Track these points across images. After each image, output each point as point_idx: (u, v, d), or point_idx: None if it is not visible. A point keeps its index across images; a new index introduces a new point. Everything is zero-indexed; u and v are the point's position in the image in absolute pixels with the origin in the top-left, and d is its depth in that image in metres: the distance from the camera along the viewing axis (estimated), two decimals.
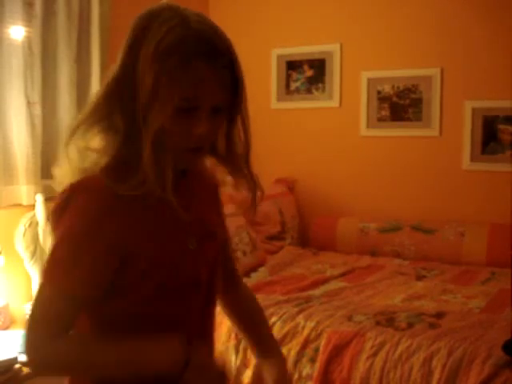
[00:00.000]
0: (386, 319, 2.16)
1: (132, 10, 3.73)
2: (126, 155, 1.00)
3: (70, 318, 0.99)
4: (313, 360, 2.07)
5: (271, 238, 3.33)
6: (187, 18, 0.99)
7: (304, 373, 2.09)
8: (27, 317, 1.03)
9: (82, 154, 1.02)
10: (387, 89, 3.47)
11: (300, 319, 2.20)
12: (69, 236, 0.97)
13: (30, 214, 2.47)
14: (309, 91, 3.71)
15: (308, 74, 3.70)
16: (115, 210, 0.98)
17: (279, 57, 3.76)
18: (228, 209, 3.05)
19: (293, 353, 2.11)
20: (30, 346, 0.98)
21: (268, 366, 1.22)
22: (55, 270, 0.98)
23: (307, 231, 3.59)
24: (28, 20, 2.52)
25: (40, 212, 2.47)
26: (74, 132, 1.02)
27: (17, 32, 2.50)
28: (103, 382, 1.03)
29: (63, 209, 0.98)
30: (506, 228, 3.00)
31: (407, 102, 3.39)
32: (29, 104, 2.53)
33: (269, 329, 1.33)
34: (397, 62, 3.45)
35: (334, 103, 3.63)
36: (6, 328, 2.39)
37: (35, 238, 2.45)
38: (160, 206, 1.01)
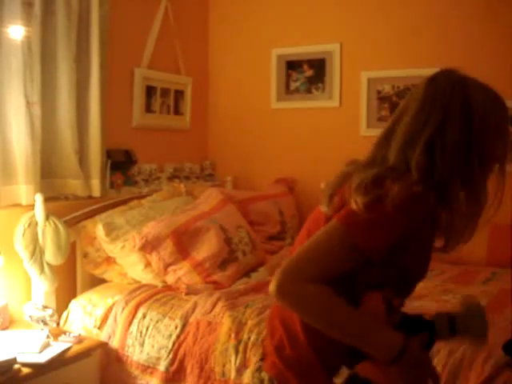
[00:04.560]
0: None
1: (131, 11, 3.75)
2: None
3: (337, 271, 1.17)
4: None
5: (271, 238, 3.32)
6: None
7: None
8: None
9: None
10: (387, 89, 3.46)
11: None
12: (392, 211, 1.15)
13: (29, 214, 2.47)
14: (309, 91, 3.71)
15: (308, 73, 3.70)
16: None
17: (279, 57, 3.76)
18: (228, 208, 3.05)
19: None
20: (286, 273, 1.15)
21: None
22: (360, 225, 1.16)
23: None
24: (27, 20, 2.52)
25: (39, 212, 2.47)
26: None
27: (16, 32, 2.50)
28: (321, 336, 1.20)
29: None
30: (506, 228, 2.99)
31: None
32: (28, 104, 2.53)
33: None
34: (397, 62, 3.44)
35: (334, 103, 3.62)
36: (6, 328, 2.39)
37: (34, 238, 2.45)
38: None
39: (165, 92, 3.55)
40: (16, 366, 2.05)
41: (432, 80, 1.28)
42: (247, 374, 2.10)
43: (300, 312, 1.19)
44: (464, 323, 1.32)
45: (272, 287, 1.16)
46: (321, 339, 1.24)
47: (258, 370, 1.43)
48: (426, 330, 1.35)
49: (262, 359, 1.43)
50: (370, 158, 1.30)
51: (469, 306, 1.34)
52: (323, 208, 1.27)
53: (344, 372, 1.25)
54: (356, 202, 1.16)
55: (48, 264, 2.48)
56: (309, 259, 1.18)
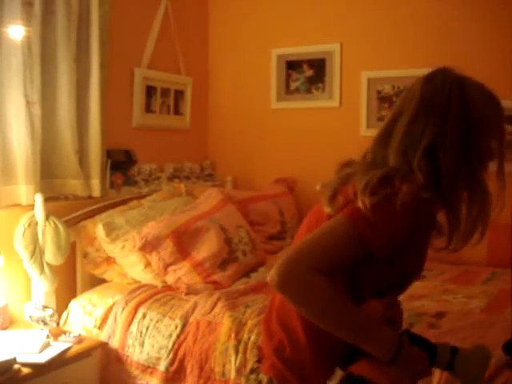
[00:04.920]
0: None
1: (131, 11, 3.76)
2: None
3: (339, 262, 1.17)
4: None
5: (271, 237, 3.32)
6: None
7: None
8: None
9: None
10: (387, 89, 3.47)
11: None
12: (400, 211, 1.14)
13: (29, 214, 2.47)
14: (309, 91, 3.71)
15: (308, 73, 3.70)
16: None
17: (279, 57, 3.76)
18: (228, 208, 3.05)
19: None
20: (288, 262, 1.13)
21: None
22: (365, 219, 1.15)
23: None
24: (27, 20, 2.52)
25: (39, 212, 2.47)
26: None
27: (16, 32, 2.50)
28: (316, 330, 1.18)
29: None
30: (506, 228, 2.99)
31: None
32: (28, 104, 2.53)
33: None
34: (397, 62, 3.44)
35: (334, 103, 3.62)
36: (5, 328, 2.39)
37: (34, 238, 2.45)
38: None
39: (165, 92, 3.55)
40: (16, 366, 2.06)
41: (428, 79, 1.27)
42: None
43: (300, 301, 1.17)
44: (464, 364, 1.31)
45: (273, 276, 1.13)
46: (322, 341, 1.24)
47: (255, 371, 1.43)
48: (427, 352, 1.34)
49: (258, 361, 1.42)
50: (370, 159, 1.29)
51: (477, 351, 1.34)
52: (326, 209, 1.27)
53: (338, 373, 1.25)
54: (363, 203, 1.16)
55: (48, 264, 2.48)
56: (311, 250, 1.17)
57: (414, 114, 1.24)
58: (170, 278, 2.64)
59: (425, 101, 1.23)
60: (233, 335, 2.18)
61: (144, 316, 2.42)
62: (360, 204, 1.16)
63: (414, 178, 1.19)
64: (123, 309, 2.48)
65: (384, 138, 1.29)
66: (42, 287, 2.50)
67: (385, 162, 1.25)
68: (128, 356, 2.40)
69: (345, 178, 1.27)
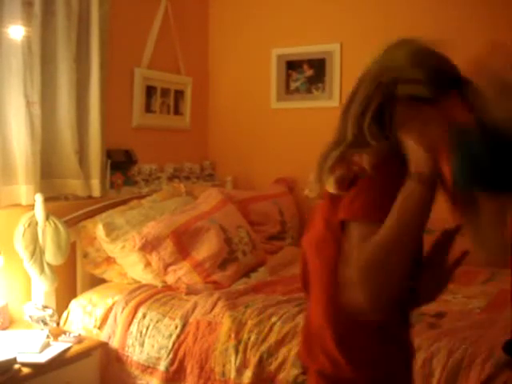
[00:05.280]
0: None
1: (131, 11, 3.74)
2: None
3: None
4: None
5: (271, 237, 3.32)
6: None
7: None
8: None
9: None
10: None
11: (300, 319, 2.19)
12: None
13: (29, 214, 2.47)
14: (309, 91, 3.71)
15: (308, 73, 3.70)
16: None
17: (279, 57, 3.76)
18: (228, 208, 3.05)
19: (293, 353, 2.11)
20: (355, 283, 1.07)
21: None
22: (355, 203, 1.17)
23: None
24: (27, 20, 2.52)
25: (39, 212, 2.47)
26: None
27: (16, 32, 2.50)
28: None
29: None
30: None
31: None
32: (28, 104, 2.53)
33: None
34: None
35: (334, 103, 3.62)
36: (6, 328, 2.39)
37: (34, 238, 2.45)
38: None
39: (165, 92, 3.55)
40: (16, 366, 2.06)
41: (383, 54, 1.39)
42: (247, 374, 2.11)
43: (392, 276, 1.11)
44: None
45: (362, 303, 1.08)
46: (359, 359, 1.22)
47: (300, 383, 1.42)
48: None
49: (303, 373, 1.41)
50: (337, 136, 1.36)
51: None
52: (306, 191, 1.34)
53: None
54: (330, 184, 1.24)
55: (48, 264, 2.48)
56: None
57: (367, 86, 1.31)
58: (170, 278, 2.64)
59: (376, 73, 1.33)
60: (233, 335, 2.18)
61: (144, 316, 2.42)
62: (329, 188, 1.24)
63: (368, 146, 1.23)
64: (123, 309, 2.48)
65: (344, 113, 1.34)
66: (42, 287, 2.50)
67: (345, 137, 1.31)
68: (128, 356, 2.40)
69: (321, 164, 1.36)
